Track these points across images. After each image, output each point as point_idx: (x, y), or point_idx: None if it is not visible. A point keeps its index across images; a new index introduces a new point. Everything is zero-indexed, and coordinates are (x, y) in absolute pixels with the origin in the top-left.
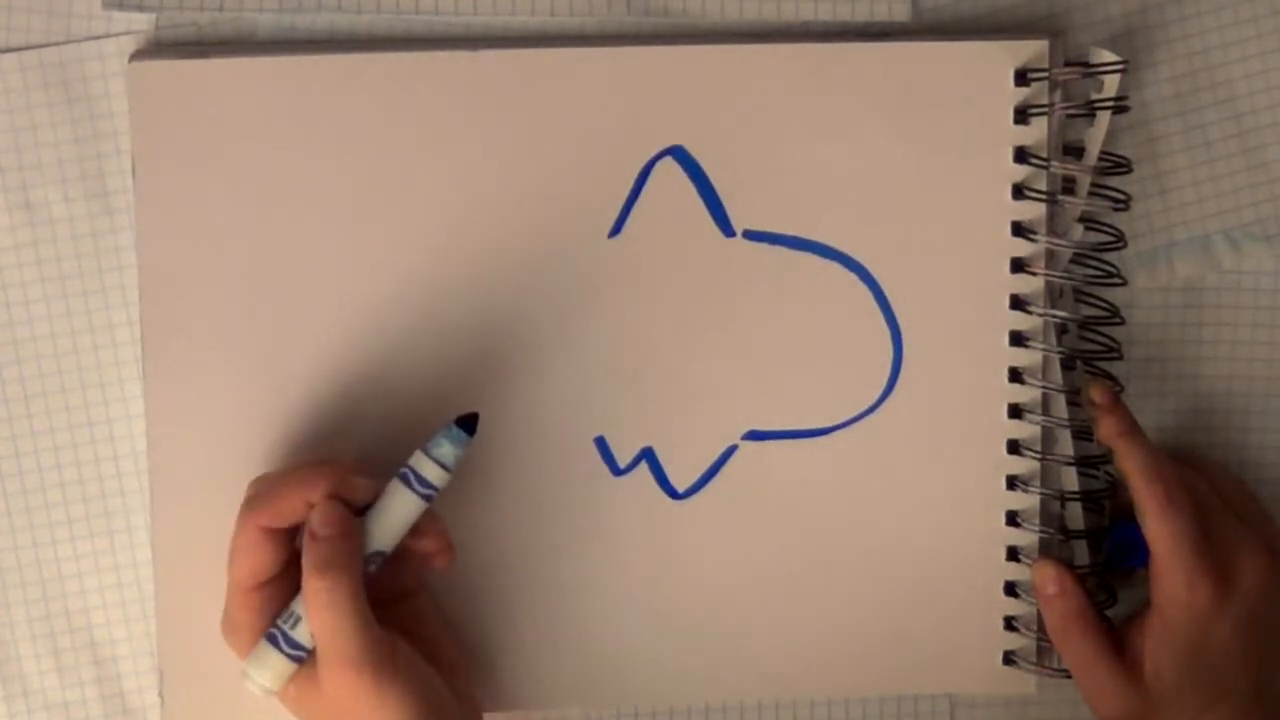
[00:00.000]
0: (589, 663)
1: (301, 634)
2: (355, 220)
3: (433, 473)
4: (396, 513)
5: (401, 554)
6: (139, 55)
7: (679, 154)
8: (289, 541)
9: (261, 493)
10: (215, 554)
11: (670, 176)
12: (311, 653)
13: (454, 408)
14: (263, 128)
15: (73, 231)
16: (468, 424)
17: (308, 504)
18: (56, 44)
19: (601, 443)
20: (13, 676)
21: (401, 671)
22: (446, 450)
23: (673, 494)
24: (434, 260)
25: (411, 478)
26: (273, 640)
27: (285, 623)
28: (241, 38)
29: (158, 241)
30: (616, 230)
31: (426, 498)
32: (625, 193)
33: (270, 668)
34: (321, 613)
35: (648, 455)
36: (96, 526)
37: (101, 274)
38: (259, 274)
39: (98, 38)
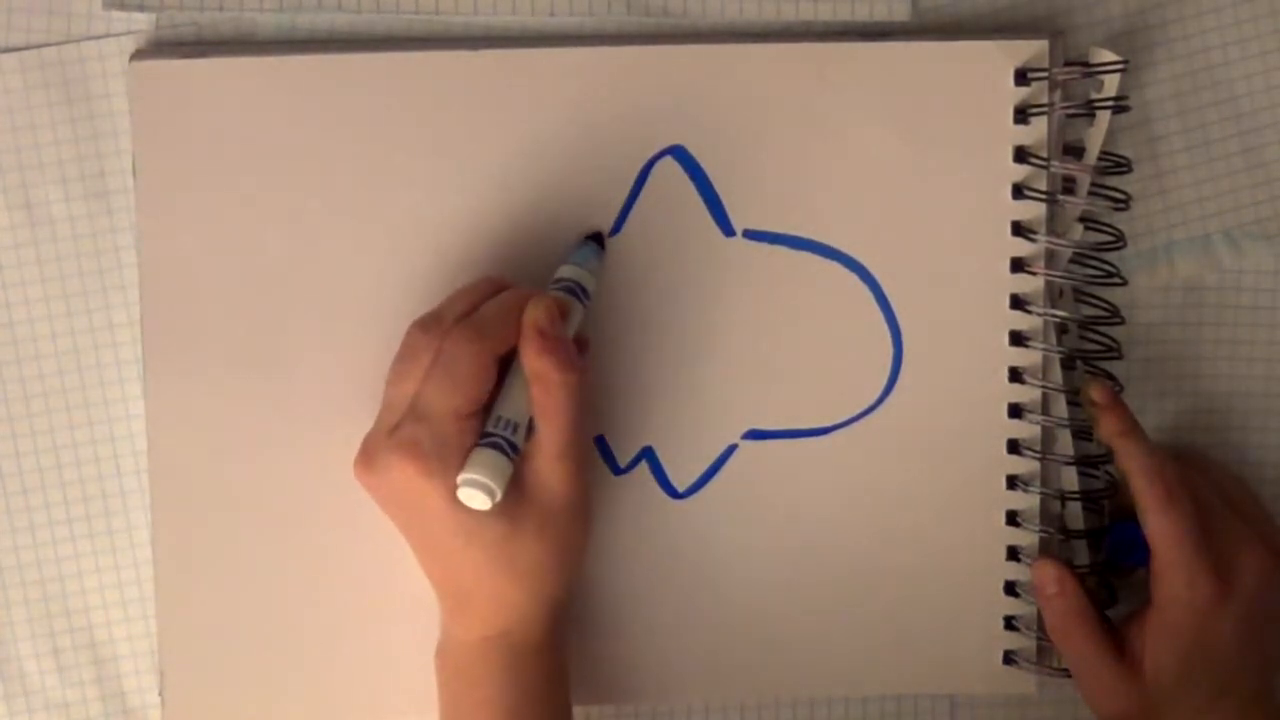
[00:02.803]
0: (588, 662)
1: (520, 438)
2: (355, 220)
3: (589, 281)
4: (575, 319)
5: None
6: (139, 55)
7: (679, 154)
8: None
9: (489, 321)
10: (216, 554)
11: (670, 176)
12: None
13: None
14: (263, 128)
15: (73, 231)
16: (598, 237)
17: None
18: (56, 44)
19: (601, 442)
20: (13, 676)
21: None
22: (588, 257)
23: (673, 493)
24: (434, 260)
25: (577, 290)
26: (499, 447)
27: (505, 430)
28: (241, 38)
29: (158, 241)
30: (616, 230)
31: (584, 300)
32: (625, 193)
33: (502, 474)
34: (569, 404)
35: (648, 455)
36: (96, 526)
37: (101, 274)
38: (259, 274)
39: (98, 38)
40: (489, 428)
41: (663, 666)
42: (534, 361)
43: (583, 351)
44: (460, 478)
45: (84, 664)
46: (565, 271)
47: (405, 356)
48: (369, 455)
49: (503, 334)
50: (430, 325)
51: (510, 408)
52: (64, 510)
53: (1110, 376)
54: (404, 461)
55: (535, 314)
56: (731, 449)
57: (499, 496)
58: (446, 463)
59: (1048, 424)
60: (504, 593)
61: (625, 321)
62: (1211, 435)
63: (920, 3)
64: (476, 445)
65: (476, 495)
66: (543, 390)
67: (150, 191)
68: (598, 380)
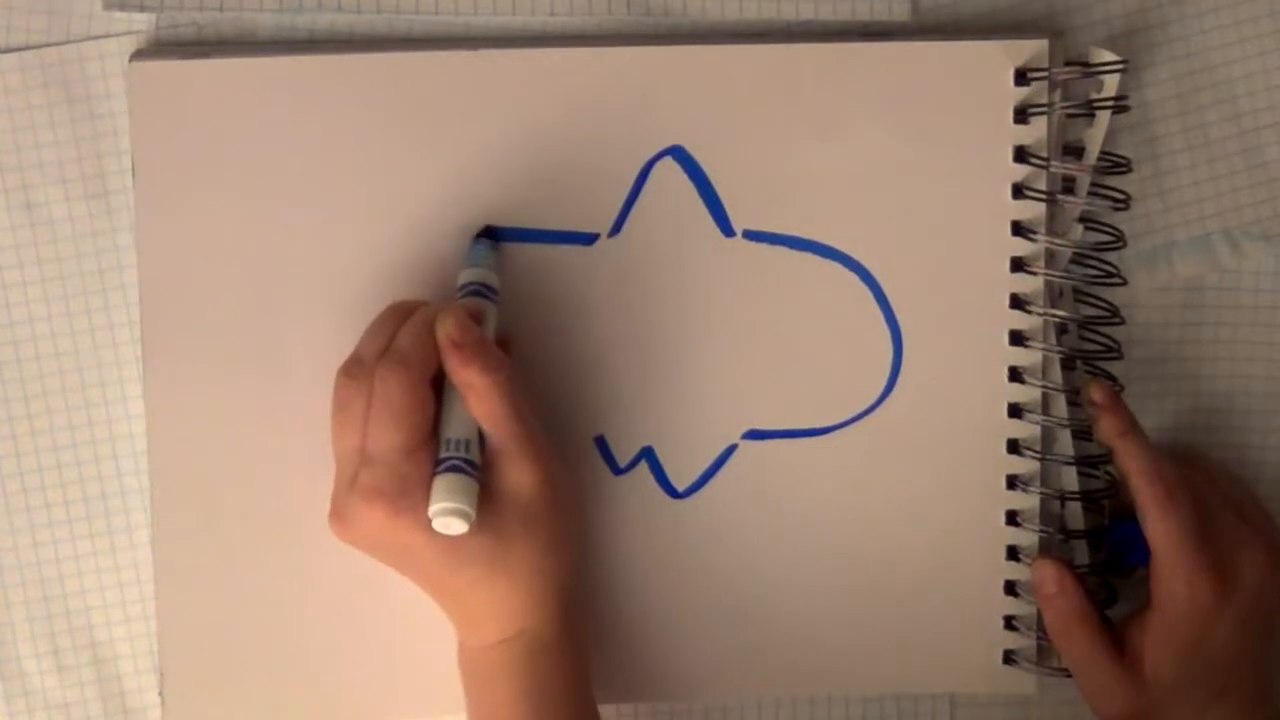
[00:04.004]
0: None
1: (475, 453)
2: (355, 220)
3: (492, 279)
4: (490, 320)
5: None
6: (139, 55)
7: (679, 154)
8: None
9: (407, 349)
10: (216, 554)
11: (670, 176)
12: (480, 473)
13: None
14: (263, 128)
15: (73, 231)
16: (488, 232)
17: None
18: (56, 44)
19: (601, 442)
20: (13, 676)
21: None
22: (485, 255)
23: (673, 493)
24: (434, 260)
25: (484, 290)
26: (457, 469)
27: (458, 451)
28: (241, 38)
29: (158, 241)
30: (616, 230)
31: (491, 299)
32: (625, 193)
33: (469, 495)
34: (506, 404)
35: (648, 455)
36: (96, 526)
37: (101, 274)
38: (259, 274)
39: (98, 38)
40: (442, 452)
41: (662, 666)
42: (459, 374)
43: (506, 350)
44: (431, 510)
45: (84, 664)
46: (466, 275)
47: (340, 407)
48: (339, 512)
49: (424, 357)
50: (354, 370)
51: (455, 426)
52: (64, 510)
53: (1110, 376)
54: (371, 509)
55: (446, 328)
56: (731, 449)
57: (473, 516)
58: (412, 498)
59: (1048, 424)
60: (507, 600)
61: (625, 321)
62: (1211, 435)
63: (920, 3)
64: (435, 473)
65: (452, 522)
66: (476, 398)
67: (150, 191)
68: (598, 381)
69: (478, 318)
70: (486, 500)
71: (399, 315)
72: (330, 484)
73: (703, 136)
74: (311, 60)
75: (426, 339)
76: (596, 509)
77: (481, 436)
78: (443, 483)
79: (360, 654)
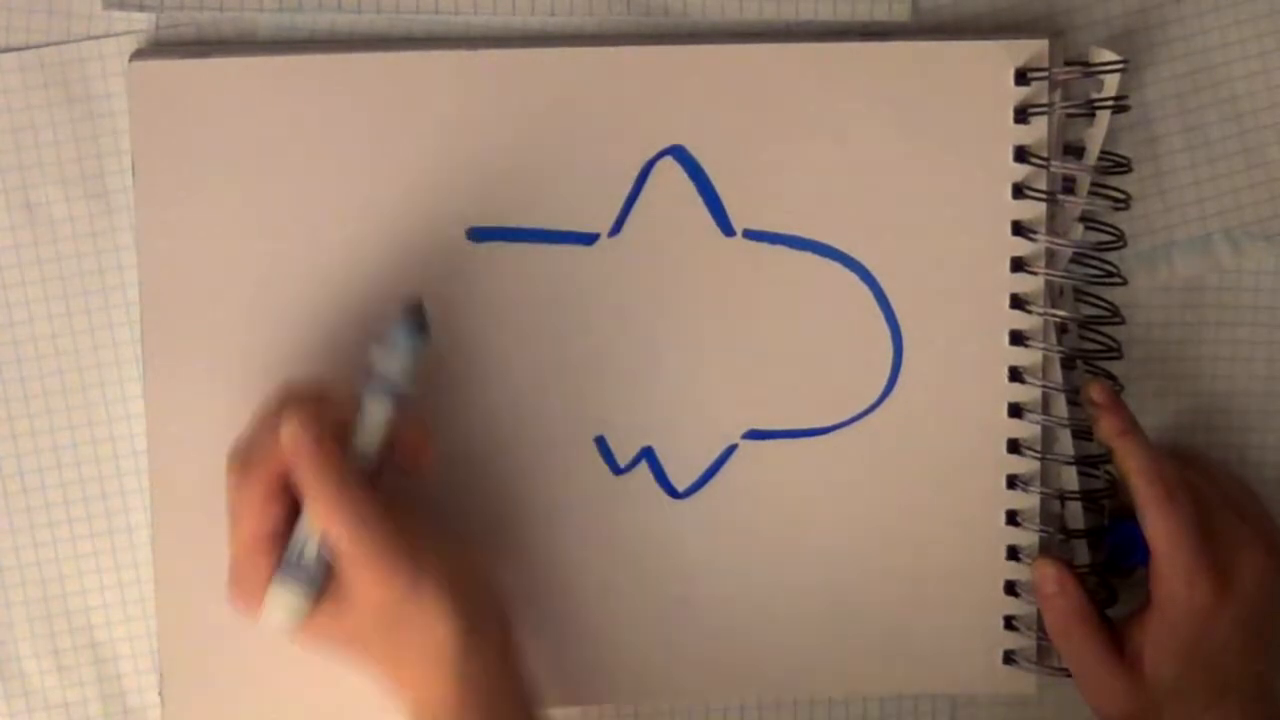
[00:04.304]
0: (588, 662)
1: (311, 554)
2: (355, 220)
3: (393, 368)
4: (371, 415)
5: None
6: (139, 55)
7: (679, 154)
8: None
9: (247, 448)
10: (215, 554)
11: (670, 176)
12: (329, 578)
13: (454, 407)
14: (263, 127)
15: (73, 231)
16: (415, 315)
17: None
18: (56, 44)
19: (601, 443)
20: (13, 676)
21: (433, 556)
22: (402, 344)
23: (673, 493)
24: (434, 259)
25: (375, 378)
26: (286, 572)
27: (293, 553)
28: (241, 37)
29: (158, 241)
30: (616, 230)
31: (395, 396)
32: (625, 193)
33: (290, 599)
34: (333, 514)
35: (648, 455)
36: (96, 526)
37: (101, 274)
38: (259, 274)
39: (98, 38)
40: (285, 554)
41: (662, 666)
42: (297, 483)
43: (421, 448)
44: (260, 621)
45: (84, 664)
46: (378, 364)
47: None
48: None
49: (271, 458)
50: (228, 460)
51: (303, 526)
52: (64, 510)
53: (1110, 376)
54: (235, 603)
55: (284, 437)
56: (731, 449)
57: (299, 618)
58: (255, 593)
59: (1048, 424)
60: (400, 671)
61: (625, 321)
62: (1211, 435)
63: (920, 3)
64: (271, 578)
65: (279, 623)
66: (313, 511)
67: (150, 191)
68: (598, 381)
69: (343, 422)
70: (336, 594)
71: (279, 401)
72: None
73: (703, 136)
74: (311, 60)
75: (268, 440)
76: (596, 509)
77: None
78: (269, 594)
79: None
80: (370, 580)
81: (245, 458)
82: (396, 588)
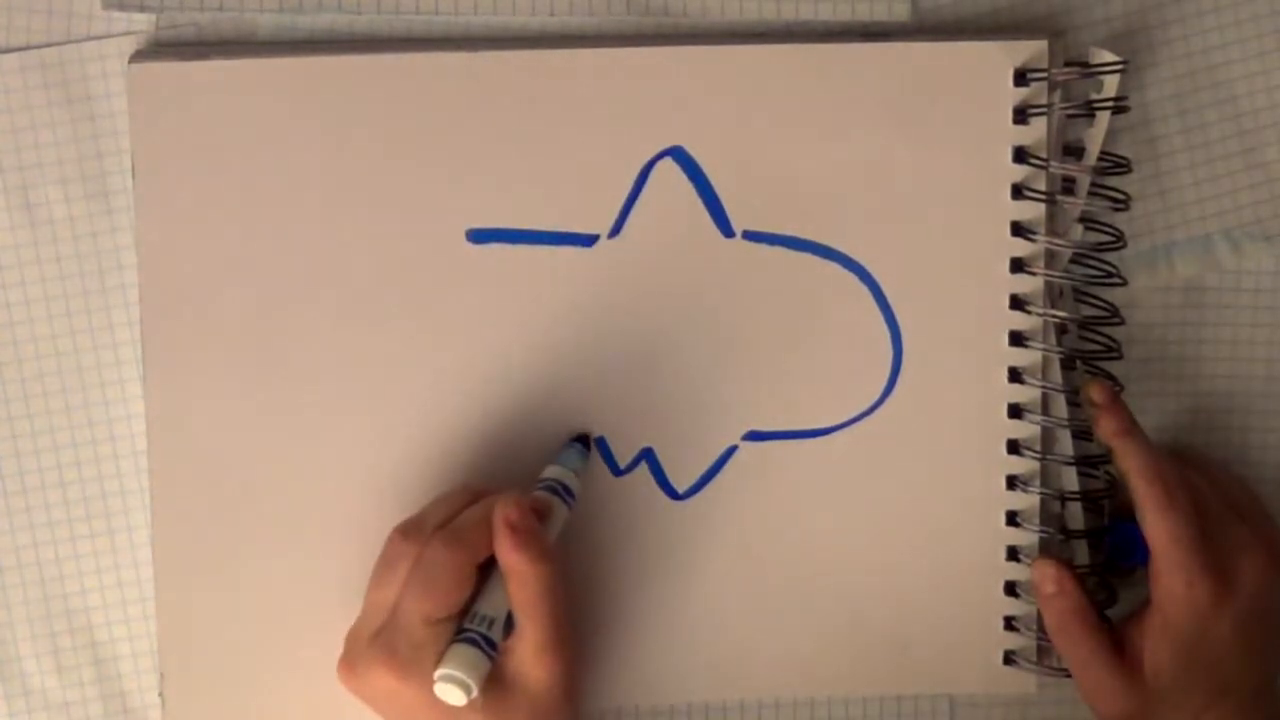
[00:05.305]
0: (588, 662)
1: (497, 633)
2: (355, 220)
3: (573, 482)
4: (557, 520)
5: None
6: (139, 56)
7: (679, 154)
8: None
9: (466, 529)
10: (216, 554)
11: (670, 176)
12: (497, 654)
13: (454, 408)
14: (263, 128)
15: (73, 231)
16: (583, 441)
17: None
18: (56, 44)
19: (602, 443)
20: (13, 676)
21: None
22: (575, 459)
23: (673, 494)
24: (433, 259)
25: (560, 490)
26: (474, 643)
27: (481, 626)
28: (241, 38)
29: (158, 241)
30: (616, 231)
31: (569, 505)
32: (625, 193)
33: (477, 670)
34: (546, 596)
35: (648, 455)
36: (96, 526)
37: (101, 274)
38: (259, 274)
39: (98, 38)
40: (466, 624)
41: (662, 666)
42: (506, 557)
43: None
44: (436, 674)
45: (84, 664)
46: (549, 472)
47: (386, 562)
48: (350, 661)
49: (480, 541)
50: (411, 532)
51: (489, 604)
52: (64, 510)
53: (1110, 376)
54: (381, 668)
55: (505, 510)
56: (731, 450)
57: (474, 691)
58: (422, 665)
59: (1048, 424)
60: None
61: (625, 322)
62: (1211, 435)
63: (920, 3)
64: (452, 640)
65: (452, 690)
66: (518, 584)
67: (150, 192)
68: (598, 381)
69: (543, 512)
70: (498, 681)
71: (469, 494)
72: (331, 482)
73: (703, 136)
74: (311, 61)
75: (486, 525)
76: (596, 510)
77: (510, 622)
78: (454, 651)
79: None
80: (554, 668)
81: (471, 541)
82: (565, 675)
